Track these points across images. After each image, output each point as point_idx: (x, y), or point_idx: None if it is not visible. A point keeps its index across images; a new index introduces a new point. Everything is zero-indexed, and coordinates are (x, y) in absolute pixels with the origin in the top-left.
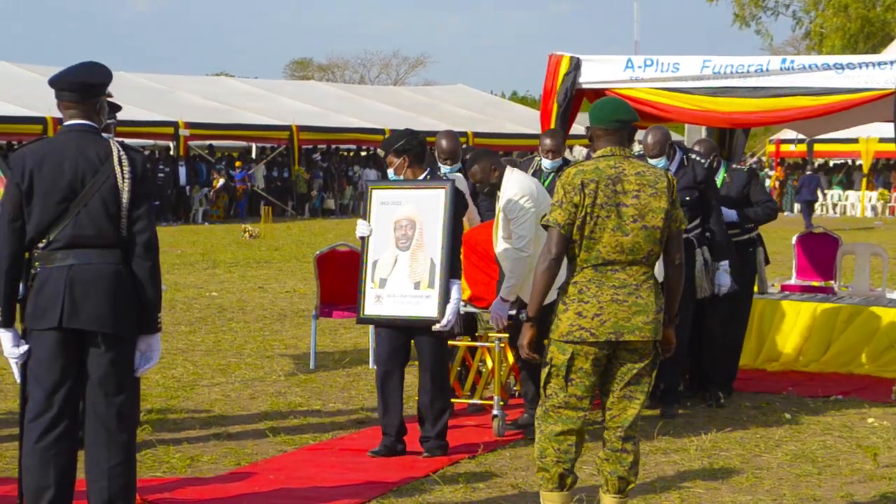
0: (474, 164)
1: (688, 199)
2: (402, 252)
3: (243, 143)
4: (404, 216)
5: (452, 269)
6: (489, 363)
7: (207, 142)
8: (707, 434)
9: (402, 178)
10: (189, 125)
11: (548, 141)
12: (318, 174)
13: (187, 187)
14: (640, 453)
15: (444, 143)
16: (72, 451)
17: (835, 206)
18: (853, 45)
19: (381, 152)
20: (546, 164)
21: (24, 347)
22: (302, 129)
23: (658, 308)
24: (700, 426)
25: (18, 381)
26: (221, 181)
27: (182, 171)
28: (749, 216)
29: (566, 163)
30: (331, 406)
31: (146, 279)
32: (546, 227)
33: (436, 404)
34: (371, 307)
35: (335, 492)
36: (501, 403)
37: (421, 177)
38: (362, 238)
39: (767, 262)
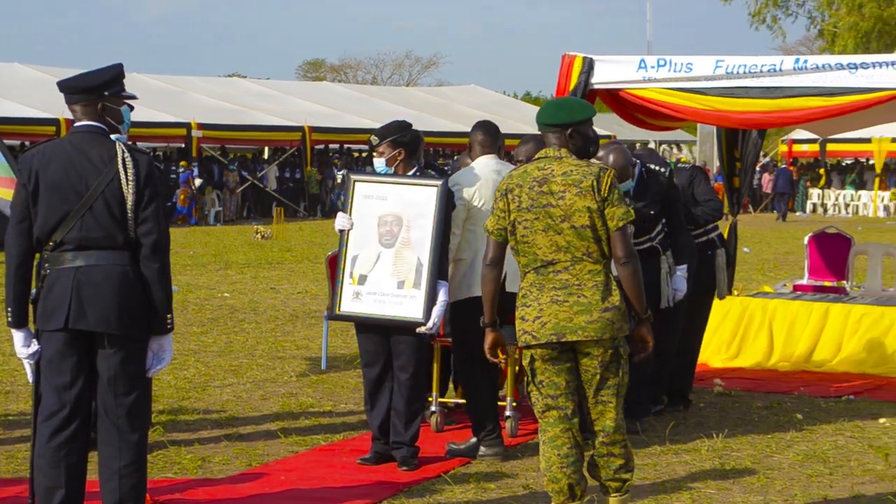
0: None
1: (652, 212)
2: (386, 249)
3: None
4: (390, 212)
5: (440, 271)
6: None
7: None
8: (718, 434)
9: (391, 170)
10: (201, 126)
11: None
12: (331, 175)
13: (200, 188)
14: (652, 454)
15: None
16: (83, 452)
17: (847, 205)
18: (865, 44)
19: (373, 140)
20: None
21: (35, 347)
22: (314, 129)
23: (608, 306)
24: (711, 426)
25: (31, 381)
26: (198, 182)
27: (195, 172)
28: (696, 216)
29: None
30: (342, 407)
31: (154, 280)
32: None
33: (411, 407)
34: (348, 304)
35: (346, 492)
36: (514, 404)
37: (410, 173)
38: (341, 231)
39: (731, 265)
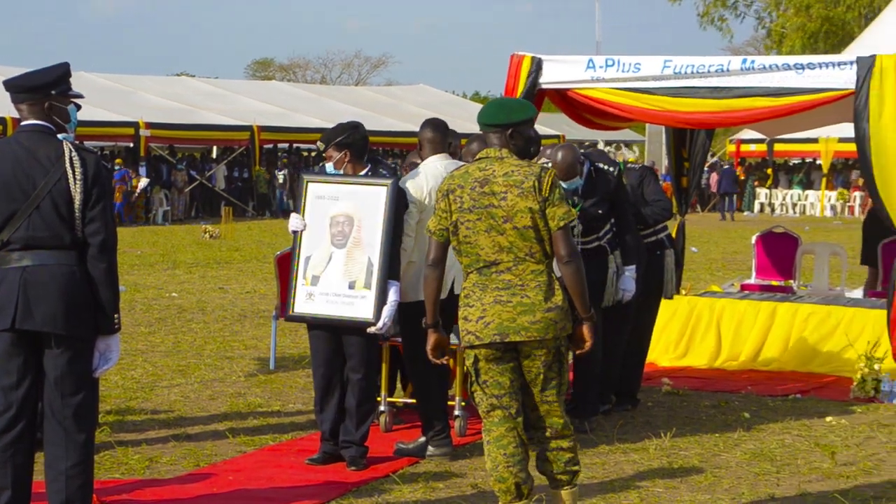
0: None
1: (600, 212)
2: (338, 249)
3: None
4: (342, 212)
5: (391, 270)
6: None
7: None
8: (666, 433)
9: (341, 172)
10: (149, 125)
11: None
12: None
13: (148, 188)
14: (600, 453)
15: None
16: (29, 452)
17: (794, 205)
18: (813, 44)
19: (320, 145)
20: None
21: None
22: (263, 129)
23: (550, 306)
24: (659, 426)
25: None
26: (142, 181)
27: (143, 171)
28: (646, 216)
29: None
30: (290, 407)
31: (102, 280)
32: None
33: (362, 407)
34: (301, 305)
35: (294, 492)
36: (463, 404)
37: (362, 172)
38: (295, 232)
39: (680, 265)
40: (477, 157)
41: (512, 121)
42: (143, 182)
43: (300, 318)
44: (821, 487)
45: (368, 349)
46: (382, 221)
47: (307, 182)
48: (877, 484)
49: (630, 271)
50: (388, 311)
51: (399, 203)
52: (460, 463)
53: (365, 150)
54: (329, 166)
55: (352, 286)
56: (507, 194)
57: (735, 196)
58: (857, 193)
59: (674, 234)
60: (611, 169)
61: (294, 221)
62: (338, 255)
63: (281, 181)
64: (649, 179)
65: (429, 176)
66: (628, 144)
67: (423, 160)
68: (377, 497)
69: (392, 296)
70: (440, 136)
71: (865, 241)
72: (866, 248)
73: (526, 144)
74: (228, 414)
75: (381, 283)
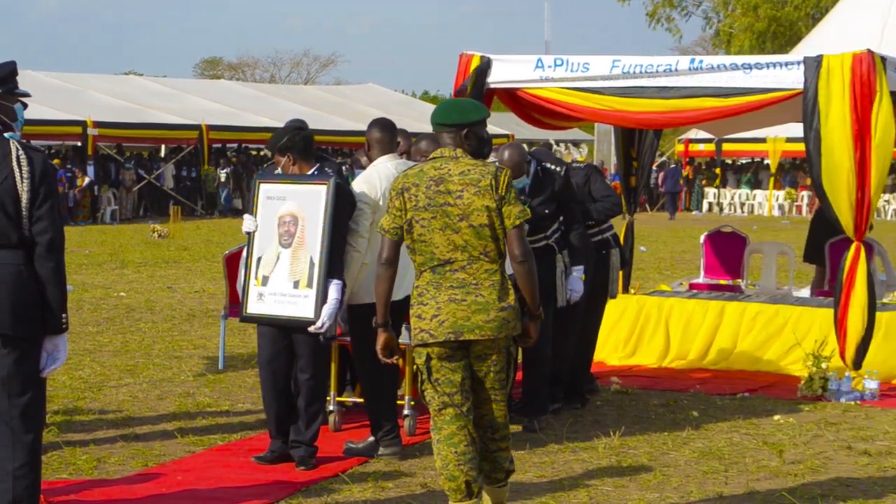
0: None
1: (547, 211)
2: (285, 249)
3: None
4: (288, 212)
5: (331, 269)
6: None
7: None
8: (615, 432)
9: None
10: (97, 124)
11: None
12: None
13: (96, 187)
14: (549, 452)
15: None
16: None
17: (742, 205)
18: (761, 44)
19: (268, 153)
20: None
21: None
22: (212, 128)
23: (504, 306)
24: (608, 424)
25: None
26: (87, 180)
27: (90, 170)
28: (592, 214)
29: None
30: (240, 406)
31: (49, 279)
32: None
33: (311, 407)
34: (253, 305)
35: (243, 492)
36: (413, 403)
37: (310, 172)
38: (248, 234)
39: (625, 264)
40: (431, 156)
41: (468, 121)
42: (86, 181)
43: (252, 319)
44: (769, 485)
45: (317, 349)
46: (322, 220)
47: (259, 183)
48: (824, 482)
49: (578, 271)
50: (327, 310)
51: (340, 201)
52: (410, 462)
53: (308, 150)
54: (279, 171)
55: (296, 285)
56: (464, 193)
57: (679, 195)
58: (805, 193)
59: (622, 234)
60: (557, 168)
61: (247, 223)
62: (284, 254)
63: (223, 179)
64: (595, 177)
65: (381, 176)
66: (577, 144)
67: (371, 160)
68: (326, 497)
69: (333, 294)
70: (388, 136)
71: (811, 240)
72: (812, 247)
73: (479, 145)
74: (177, 414)
75: (321, 282)
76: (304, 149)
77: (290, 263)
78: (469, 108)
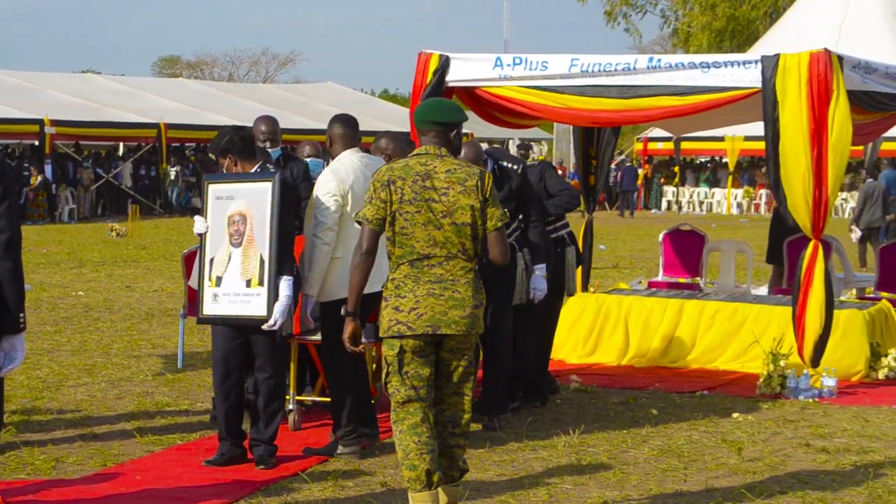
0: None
1: (506, 210)
2: (235, 249)
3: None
4: (236, 211)
5: (281, 266)
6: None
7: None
8: (575, 430)
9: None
10: (55, 123)
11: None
12: (185, 173)
13: (53, 185)
14: (509, 450)
15: (262, 126)
16: None
17: (701, 203)
18: (719, 43)
19: (212, 157)
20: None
21: None
22: (170, 126)
23: (477, 303)
24: (568, 423)
25: None
26: (39, 178)
27: (48, 169)
28: (550, 209)
29: None
30: (199, 406)
31: (6, 278)
32: (359, 222)
33: (270, 406)
34: (209, 307)
35: (202, 492)
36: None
37: (252, 170)
38: (200, 235)
39: (580, 262)
40: (415, 152)
41: (455, 120)
42: (39, 179)
43: (208, 320)
44: (728, 483)
45: (275, 348)
46: (269, 217)
47: (208, 184)
48: (782, 479)
49: (541, 270)
50: (279, 307)
51: (286, 197)
52: (370, 461)
53: (248, 150)
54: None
55: (248, 284)
56: (449, 190)
57: (635, 193)
58: (763, 191)
59: (581, 232)
60: (514, 167)
61: (197, 224)
62: (236, 254)
63: (172, 178)
64: (550, 173)
65: (348, 170)
66: (536, 142)
67: (333, 156)
68: (286, 496)
69: (284, 290)
70: (351, 132)
71: (772, 241)
72: (773, 249)
73: (460, 145)
74: (136, 413)
75: (271, 279)
76: (243, 149)
77: (241, 263)
78: (456, 109)
